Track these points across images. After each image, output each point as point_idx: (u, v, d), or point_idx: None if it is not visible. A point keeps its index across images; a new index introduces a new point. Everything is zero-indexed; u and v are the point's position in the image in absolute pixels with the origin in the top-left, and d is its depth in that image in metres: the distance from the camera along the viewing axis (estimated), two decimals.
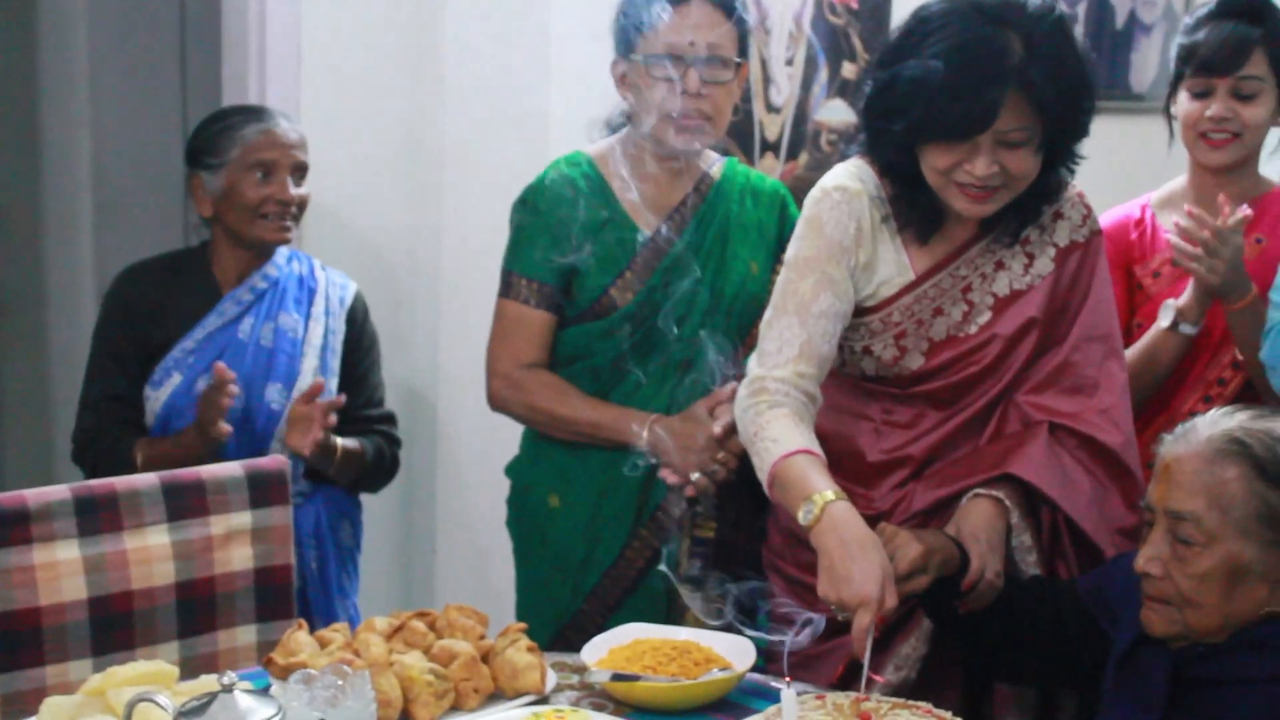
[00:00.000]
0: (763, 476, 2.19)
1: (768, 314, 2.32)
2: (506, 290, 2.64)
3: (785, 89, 3.62)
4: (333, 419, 2.75)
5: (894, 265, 2.30)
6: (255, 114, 2.87)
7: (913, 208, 2.28)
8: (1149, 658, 2.01)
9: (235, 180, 2.79)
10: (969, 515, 2.23)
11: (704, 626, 2.40)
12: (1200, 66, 2.64)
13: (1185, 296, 2.59)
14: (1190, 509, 1.93)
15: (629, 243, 2.58)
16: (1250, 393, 2.60)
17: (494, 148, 3.31)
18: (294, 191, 2.82)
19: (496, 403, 2.67)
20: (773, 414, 2.20)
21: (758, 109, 3.58)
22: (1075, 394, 2.31)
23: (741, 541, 2.53)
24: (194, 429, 2.69)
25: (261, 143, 2.80)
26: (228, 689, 1.74)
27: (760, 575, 2.49)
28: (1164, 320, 2.59)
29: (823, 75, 3.69)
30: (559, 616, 2.62)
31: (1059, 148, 2.22)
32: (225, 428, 2.66)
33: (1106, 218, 2.75)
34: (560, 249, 2.58)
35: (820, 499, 2.07)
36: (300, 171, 2.83)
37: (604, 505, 2.60)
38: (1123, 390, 2.35)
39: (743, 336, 2.60)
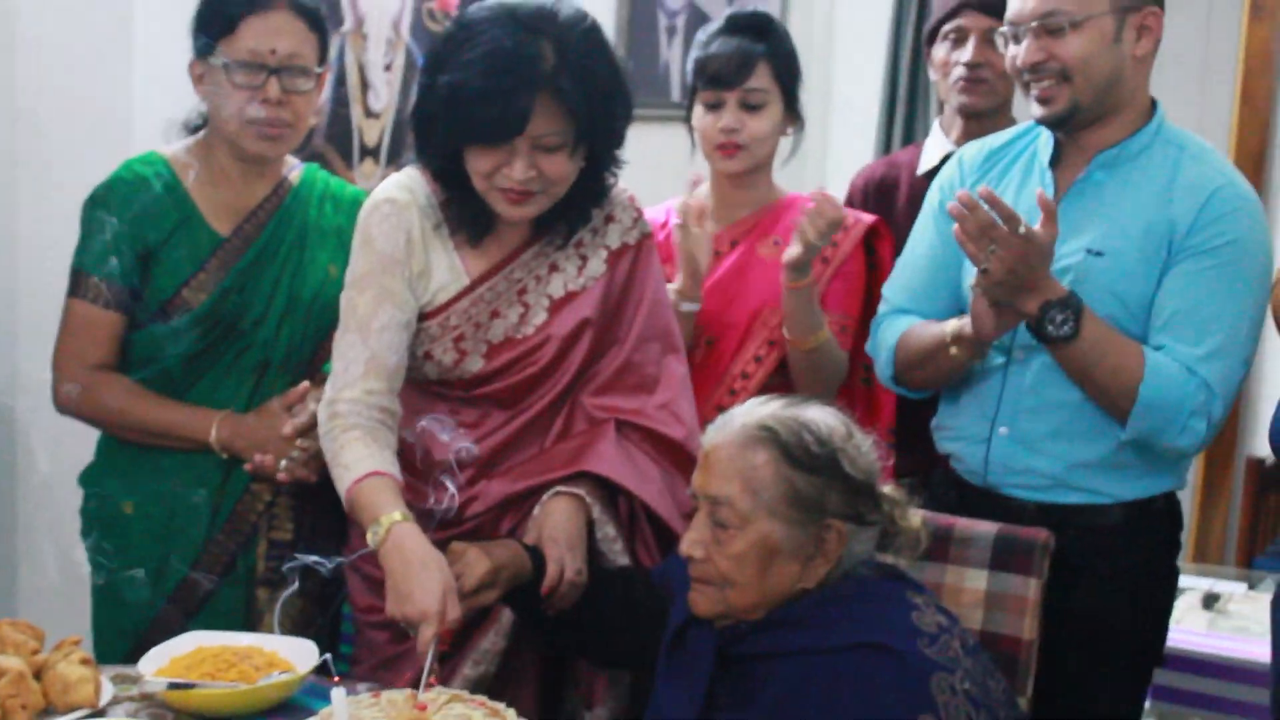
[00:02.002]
0: (345, 504, 2.25)
1: (336, 333, 2.36)
2: (75, 289, 2.56)
3: (384, 95, 3.63)
4: None
5: (448, 271, 2.35)
6: None
7: (463, 212, 2.33)
8: (697, 637, 2.10)
9: None
10: (549, 516, 2.29)
11: (282, 630, 2.40)
12: (710, 80, 2.78)
13: (678, 279, 2.71)
14: (726, 493, 2.03)
15: (203, 244, 2.54)
16: (773, 381, 2.74)
17: (73, 149, 3.19)
18: None
19: (62, 405, 2.59)
20: (346, 438, 2.26)
21: (356, 114, 3.58)
22: (637, 392, 2.40)
23: (320, 543, 2.52)
24: None
25: None
26: None
27: (339, 576, 2.49)
28: None
29: None
30: (137, 626, 2.55)
31: (599, 153, 2.31)
32: None
33: None
34: (131, 249, 2.52)
35: (386, 520, 2.15)
36: None
37: (179, 510, 2.55)
38: (682, 384, 2.45)
39: (321, 339, 2.60)
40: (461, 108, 2.18)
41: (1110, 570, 2.42)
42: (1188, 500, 4.77)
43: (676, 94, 4.50)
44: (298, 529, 2.58)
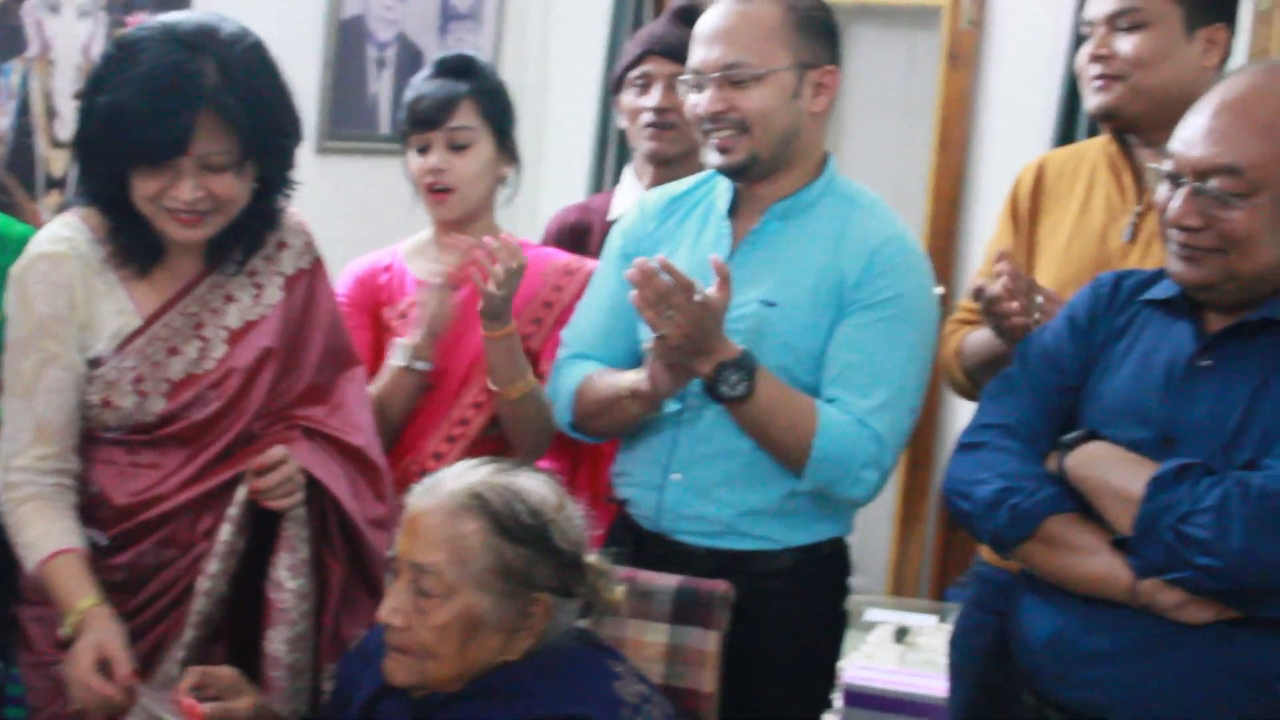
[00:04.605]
0: (34, 581, 2.24)
1: (3, 398, 2.27)
2: None
3: (72, 123, 3.44)
4: None
5: (119, 315, 2.27)
6: None
7: (131, 242, 2.26)
8: (391, 707, 2.05)
9: None
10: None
11: None
12: (416, 122, 2.75)
13: (415, 335, 2.67)
14: (431, 561, 1.97)
15: None
16: (491, 431, 2.72)
17: None
18: None
19: None
20: (23, 511, 2.24)
21: (41, 144, 3.38)
22: (318, 404, 2.38)
23: None
24: None
25: None
26: None
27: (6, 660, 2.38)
28: (398, 359, 2.66)
29: None
30: None
31: (269, 173, 2.27)
32: None
33: (360, 263, 2.85)
34: None
35: (79, 610, 2.15)
36: None
37: None
38: (361, 400, 2.45)
39: None
40: (122, 129, 2.13)
41: (780, 615, 2.44)
42: (885, 534, 4.92)
43: (385, 126, 4.41)
44: None
